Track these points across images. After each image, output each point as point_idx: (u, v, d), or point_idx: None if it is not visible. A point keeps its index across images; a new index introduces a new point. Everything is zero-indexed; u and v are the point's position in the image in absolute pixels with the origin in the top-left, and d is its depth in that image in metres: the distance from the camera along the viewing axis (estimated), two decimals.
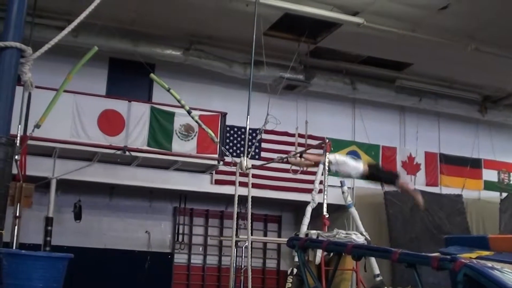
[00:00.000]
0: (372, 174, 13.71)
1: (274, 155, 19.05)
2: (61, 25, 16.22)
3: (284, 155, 12.98)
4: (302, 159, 13.84)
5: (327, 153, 13.42)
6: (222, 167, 19.16)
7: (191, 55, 19.69)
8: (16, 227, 14.51)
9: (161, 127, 18.45)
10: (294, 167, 14.52)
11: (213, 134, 12.88)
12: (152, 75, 13.68)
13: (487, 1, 16.33)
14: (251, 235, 14.04)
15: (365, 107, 23.30)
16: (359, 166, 13.48)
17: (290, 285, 13.58)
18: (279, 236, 22.95)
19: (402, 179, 14.26)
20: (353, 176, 14.22)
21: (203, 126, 13.06)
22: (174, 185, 19.57)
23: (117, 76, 20.56)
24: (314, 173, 16.06)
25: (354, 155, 21.88)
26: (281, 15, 17.85)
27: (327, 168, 13.33)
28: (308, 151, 14.65)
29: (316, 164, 14.03)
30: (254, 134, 18.94)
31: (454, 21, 17.57)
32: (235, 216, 12.55)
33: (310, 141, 20.90)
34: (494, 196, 23.72)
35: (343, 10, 17.47)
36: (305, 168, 15.63)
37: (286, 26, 18.73)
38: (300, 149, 19.85)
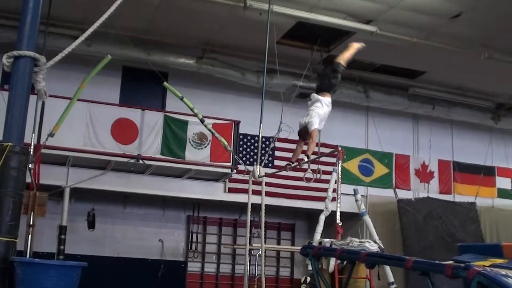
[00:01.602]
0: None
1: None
2: (74, 34, 16.31)
3: (291, 163, 12.86)
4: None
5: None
6: (235, 176, 19.16)
7: (205, 64, 19.72)
8: (29, 235, 14.54)
9: (174, 135, 18.47)
10: (307, 175, 14.49)
11: (226, 143, 12.89)
12: (165, 83, 13.72)
13: (500, 9, 16.30)
14: (265, 243, 14.03)
15: (378, 115, 23.27)
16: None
17: None
18: (293, 244, 22.91)
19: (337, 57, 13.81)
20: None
21: (216, 135, 13.08)
22: (187, 193, 19.58)
23: (131, 85, 20.61)
24: (327, 182, 16.06)
25: (368, 163, 21.94)
26: (294, 23, 17.87)
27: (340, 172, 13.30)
28: (321, 162, 14.59)
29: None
30: (267, 142, 18.94)
31: (467, 29, 17.55)
32: (249, 224, 12.55)
33: (323, 149, 20.86)
34: (508, 204, 23.65)
35: (356, 19, 17.48)
36: (319, 175, 15.59)
37: (299, 34, 18.75)
38: (312, 157, 19.85)
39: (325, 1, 16.56)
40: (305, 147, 12.77)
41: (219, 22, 17.97)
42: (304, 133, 12.33)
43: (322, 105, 12.82)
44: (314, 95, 12.91)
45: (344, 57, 13.44)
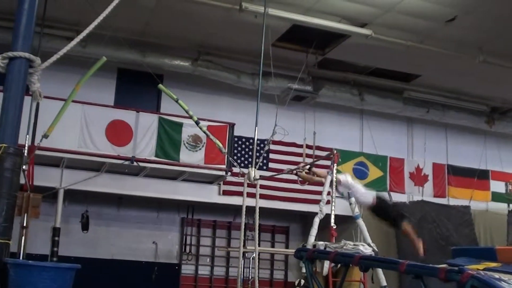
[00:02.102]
0: (378, 208, 13.67)
1: (282, 166, 19.11)
2: (69, 35, 16.38)
3: (293, 166, 12.91)
4: (313, 174, 13.79)
5: (343, 175, 13.44)
6: (230, 178, 19.16)
7: (200, 66, 19.73)
8: (23, 237, 14.49)
9: (169, 137, 18.47)
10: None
11: (221, 145, 12.87)
12: (160, 85, 13.69)
13: (494, 13, 16.34)
14: (259, 246, 14.02)
15: (373, 118, 23.30)
16: (368, 195, 13.50)
17: None
18: (287, 247, 22.93)
19: (407, 223, 14.04)
20: (358, 203, 14.04)
21: (211, 137, 13.07)
22: (181, 195, 19.57)
23: (126, 87, 20.61)
24: (322, 184, 16.07)
25: (362, 166, 21.95)
26: (290, 26, 17.90)
27: (335, 187, 13.33)
28: (316, 165, 14.62)
29: (323, 178, 13.97)
30: (262, 145, 18.95)
31: (461, 33, 17.59)
32: (243, 227, 12.55)
33: (318, 152, 20.92)
34: (502, 207, 23.66)
35: (351, 22, 17.51)
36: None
37: (295, 37, 18.78)
38: (308, 160, 19.86)
39: (321, 4, 16.58)
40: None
41: (215, 25, 17.97)
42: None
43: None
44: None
45: (406, 229, 13.75)
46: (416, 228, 21.26)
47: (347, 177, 13.43)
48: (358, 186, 13.51)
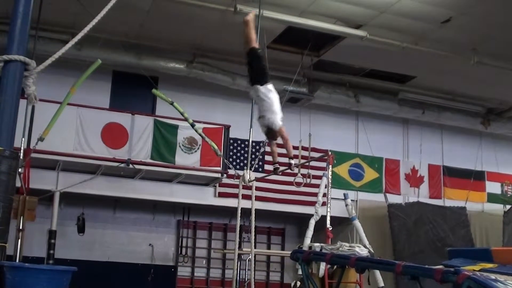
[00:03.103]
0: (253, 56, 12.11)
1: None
2: (64, 38, 16.35)
3: (283, 167, 12.77)
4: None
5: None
6: (225, 180, 19.17)
7: (195, 68, 19.71)
8: (19, 240, 14.50)
9: (164, 140, 18.46)
10: (298, 180, 14.50)
11: (216, 147, 12.91)
12: (154, 90, 13.72)
13: (489, 15, 16.35)
14: (255, 248, 14.04)
15: (368, 120, 23.31)
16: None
17: None
18: (283, 249, 22.93)
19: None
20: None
21: (207, 139, 13.10)
22: (177, 198, 19.56)
23: (121, 89, 20.59)
24: (317, 186, 16.07)
25: (358, 167, 21.98)
26: (285, 28, 17.90)
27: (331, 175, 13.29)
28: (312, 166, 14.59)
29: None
30: (257, 147, 18.95)
31: (457, 34, 17.60)
32: (238, 229, 12.56)
33: (313, 154, 20.91)
34: (498, 208, 23.73)
35: (347, 23, 17.50)
36: (309, 180, 15.57)
37: (290, 39, 18.78)
38: (303, 161, 19.86)
39: (316, 6, 16.58)
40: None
41: (210, 27, 17.97)
42: (271, 133, 11.40)
43: (274, 96, 11.61)
44: (260, 88, 11.66)
45: (250, 38, 11.81)
46: (413, 227, 21.42)
47: (273, 117, 11.82)
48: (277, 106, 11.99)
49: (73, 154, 17.37)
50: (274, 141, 11.83)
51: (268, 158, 20.45)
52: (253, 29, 11.78)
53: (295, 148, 21.03)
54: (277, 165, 12.16)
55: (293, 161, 11.91)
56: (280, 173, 13.51)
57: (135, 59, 18.99)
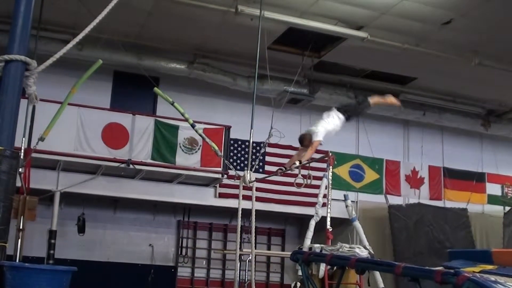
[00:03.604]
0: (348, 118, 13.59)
1: None
2: (66, 38, 16.31)
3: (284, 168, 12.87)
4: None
5: (314, 134, 13.16)
6: (226, 181, 19.15)
7: (196, 69, 19.73)
8: (19, 240, 14.49)
9: (165, 140, 18.46)
10: (298, 180, 14.47)
11: (216, 148, 12.89)
12: (156, 89, 13.70)
13: (490, 16, 16.35)
14: (255, 248, 14.03)
15: (369, 121, 23.28)
16: (334, 123, 13.30)
17: None
18: (283, 249, 22.92)
19: (371, 96, 14.04)
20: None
21: (207, 140, 13.08)
22: (178, 198, 19.56)
23: (122, 89, 20.59)
24: (318, 187, 16.06)
25: (358, 169, 21.96)
26: (285, 29, 17.90)
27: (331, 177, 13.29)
28: (311, 167, 14.56)
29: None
30: (258, 148, 18.93)
31: (457, 35, 17.61)
32: (239, 229, 12.55)
33: (313, 155, 20.87)
34: (498, 210, 23.70)
35: (347, 25, 17.50)
36: (309, 180, 15.56)
37: (290, 40, 18.78)
38: (303, 162, 19.85)
39: (317, 7, 16.58)
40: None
41: (211, 28, 17.97)
42: (306, 139, 12.65)
43: (334, 119, 13.28)
44: (334, 109, 13.45)
45: (375, 100, 13.76)
46: (414, 228, 21.41)
47: (317, 129, 13.09)
48: (326, 126, 13.26)
49: (74, 154, 17.37)
50: (302, 151, 12.98)
51: (268, 159, 20.48)
52: (383, 104, 14.82)
53: (295, 149, 21.02)
54: (282, 169, 12.71)
55: (297, 163, 12.39)
56: (281, 174, 13.60)
57: (136, 59, 19.00)
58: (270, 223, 22.77)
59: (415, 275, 5.71)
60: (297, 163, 12.45)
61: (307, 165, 13.83)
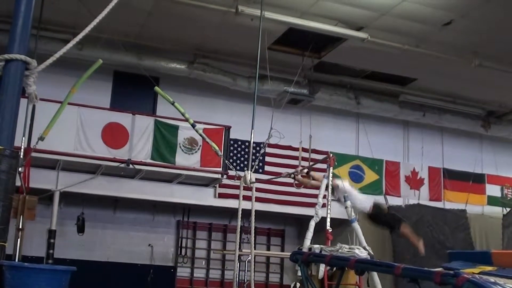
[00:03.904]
0: (375, 215, 13.77)
1: (278, 169, 19.13)
2: (66, 38, 16.29)
3: (290, 170, 12.95)
4: (310, 179, 13.81)
5: (340, 181, 13.44)
6: (225, 181, 19.15)
7: (196, 69, 19.73)
8: (19, 239, 14.50)
9: (165, 140, 18.46)
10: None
11: (217, 148, 12.88)
12: (156, 88, 13.69)
13: (490, 17, 16.35)
14: (254, 249, 14.01)
15: (369, 122, 23.30)
16: (365, 202, 13.58)
17: None
18: (282, 250, 22.91)
19: (404, 225, 14.20)
20: (355, 209, 14.08)
21: (207, 140, 13.07)
22: (177, 198, 19.56)
23: (122, 89, 20.59)
24: (318, 188, 16.06)
25: (358, 169, 21.94)
26: (286, 29, 17.90)
27: (331, 192, 13.30)
28: (314, 168, 14.59)
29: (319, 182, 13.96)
30: (258, 148, 18.92)
31: (457, 37, 17.61)
32: (239, 230, 12.54)
33: (313, 155, 20.89)
34: (497, 211, 23.70)
35: (348, 25, 17.51)
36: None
37: (291, 40, 18.78)
38: (304, 163, 19.85)
39: (317, 7, 16.59)
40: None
41: (211, 28, 17.97)
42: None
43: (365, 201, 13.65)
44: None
45: (406, 231, 14.15)
46: (413, 229, 21.39)
47: (344, 183, 13.41)
48: (355, 193, 13.52)
49: (74, 153, 17.37)
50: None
51: (268, 159, 20.50)
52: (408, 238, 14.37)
53: (295, 149, 21.07)
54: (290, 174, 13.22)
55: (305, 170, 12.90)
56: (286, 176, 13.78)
57: (136, 59, 19.01)
58: (270, 223, 22.78)
59: (414, 276, 5.71)
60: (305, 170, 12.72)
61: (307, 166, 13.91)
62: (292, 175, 13.41)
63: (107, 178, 18.48)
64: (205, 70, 19.86)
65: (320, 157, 17.08)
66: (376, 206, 13.64)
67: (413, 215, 21.61)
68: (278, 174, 14.66)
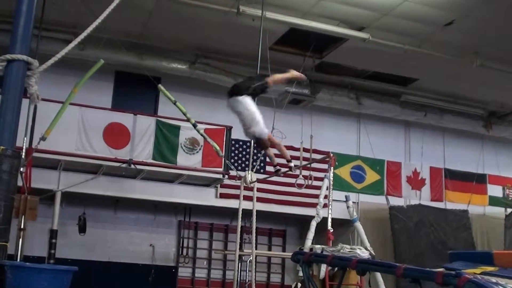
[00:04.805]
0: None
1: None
2: (67, 38, 16.29)
3: (284, 169, 12.88)
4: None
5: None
6: (227, 181, 19.15)
7: (197, 69, 19.72)
8: (20, 239, 14.50)
9: (166, 140, 18.45)
10: (299, 181, 14.49)
11: (218, 148, 12.92)
12: (160, 86, 13.73)
13: (492, 18, 16.34)
14: (256, 249, 14.04)
15: (370, 122, 23.29)
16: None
17: None
18: (284, 250, 22.89)
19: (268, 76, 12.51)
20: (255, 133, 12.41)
21: (208, 140, 13.11)
22: (178, 198, 19.55)
23: (123, 89, 20.58)
24: (319, 188, 16.07)
25: (359, 170, 21.94)
26: (287, 29, 17.89)
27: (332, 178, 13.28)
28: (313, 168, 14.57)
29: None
30: (259, 148, 18.92)
31: (459, 37, 17.59)
32: (239, 230, 12.56)
33: (314, 155, 20.88)
34: (499, 211, 23.68)
35: (349, 25, 17.49)
36: (310, 181, 15.57)
37: (292, 40, 18.77)
38: (304, 163, 19.86)
39: (318, 7, 16.57)
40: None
41: (212, 28, 17.96)
42: (262, 143, 11.48)
43: (252, 107, 11.39)
44: (239, 98, 11.55)
45: (275, 79, 12.01)
46: (415, 229, 21.40)
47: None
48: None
49: (75, 153, 17.36)
50: (267, 149, 11.93)
51: (269, 159, 20.49)
52: (285, 80, 12.62)
53: (297, 149, 21.04)
54: (278, 167, 12.23)
55: (292, 164, 11.85)
56: (282, 175, 13.58)
57: (138, 59, 19.00)
58: (271, 223, 22.75)
59: (416, 276, 5.72)
60: (292, 164, 11.84)
61: (308, 165, 13.88)
62: (287, 170, 12.90)
63: (109, 178, 18.48)
64: (207, 70, 19.85)
65: (321, 157, 17.08)
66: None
67: (415, 215, 21.62)
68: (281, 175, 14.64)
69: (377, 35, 17.64)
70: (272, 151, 12.15)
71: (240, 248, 13.80)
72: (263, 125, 11.10)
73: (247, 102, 11.27)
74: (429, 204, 22.62)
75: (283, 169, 12.65)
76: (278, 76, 12.09)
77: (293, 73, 12.00)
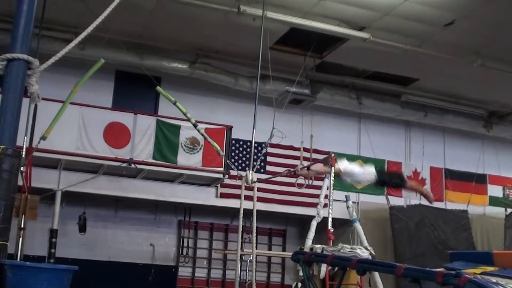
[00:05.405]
0: (380, 181, 13.72)
1: (280, 169, 19.07)
2: (68, 37, 16.31)
3: (291, 169, 12.95)
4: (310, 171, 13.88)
5: (340, 163, 13.46)
6: (227, 181, 19.15)
7: (198, 69, 19.72)
8: (20, 238, 14.48)
9: (166, 140, 18.45)
10: (299, 181, 14.50)
11: (218, 148, 12.87)
12: (158, 87, 13.69)
13: (492, 18, 16.35)
14: (256, 249, 14.02)
15: (370, 122, 23.29)
16: (369, 173, 13.49)
17: None
18: (284, 250, 22.90)
19: (408, 180, 14.32)
20: (362, 182, 14.15)
21: (209, 139, 13.07)
22: (179, 198, 19.56)
23: (124, 89, 20.59)
24: (319, 187, 16.06)
25: None
26: (288, 29, 17.89)
27: (333, 178, 13.31)
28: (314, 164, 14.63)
29: (323, 173, 14.06)
30: (259, 148, 18.92)
31: (460, 37, 17.60)
32: (240, 229, 12.54)
33: (315, 155, 20.87)
34: (499, 211, 23.70)
35: (350, 25, 17.50)
36: (311, 181, 15.58)
37: (293, 40, 18.77)
38: (305, 163, 19.84)
39: (319, 7, 16.58)
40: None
41: (213, 27, 17.97)
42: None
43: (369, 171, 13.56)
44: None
45: (413, 184, 14.62)
46: (415, 229, 21.40)
47: (344, 164, 13.44)
48: (357, 170, 13.49)
49: (75, 153, 17.37)
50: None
51: (269, 159, 20.49)
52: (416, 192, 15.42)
53: (297, 149, 21.06)
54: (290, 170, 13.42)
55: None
56: (284, 175, 13.75)
57: (138, 59, 19.01)
58: (271, 223, 22.76)
59: (416, 276, 5.71)
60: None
61: (309, 166, 13.90)
62: (293, 172, 13.40)
63: (109, 178, 18.50)
64: (207, 70, 19.86)
65: (322, 157, 17.07)
66: (379, 172, 13.67)
67: (415, 215, 21.62)
68: (280, 174, 14.64)
69: (377, 35, 17.65)
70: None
71: (241, 248, 13.76)
72: (346, 166, 13.37)
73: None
74: (429, 204, 22.61)
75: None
76: (414, 185, 14.73)
77: (425, 191, 14.73)
